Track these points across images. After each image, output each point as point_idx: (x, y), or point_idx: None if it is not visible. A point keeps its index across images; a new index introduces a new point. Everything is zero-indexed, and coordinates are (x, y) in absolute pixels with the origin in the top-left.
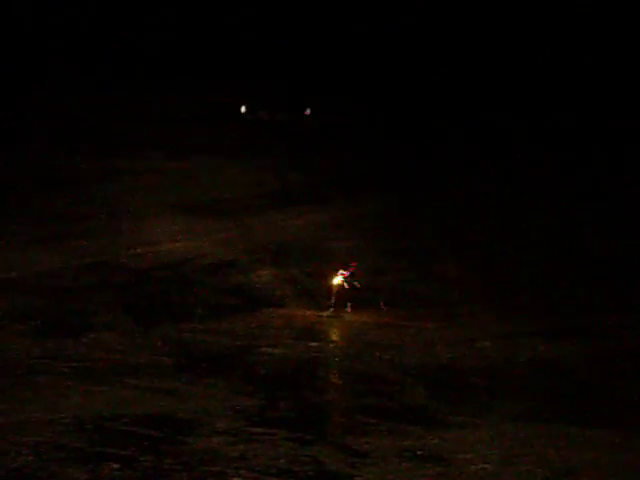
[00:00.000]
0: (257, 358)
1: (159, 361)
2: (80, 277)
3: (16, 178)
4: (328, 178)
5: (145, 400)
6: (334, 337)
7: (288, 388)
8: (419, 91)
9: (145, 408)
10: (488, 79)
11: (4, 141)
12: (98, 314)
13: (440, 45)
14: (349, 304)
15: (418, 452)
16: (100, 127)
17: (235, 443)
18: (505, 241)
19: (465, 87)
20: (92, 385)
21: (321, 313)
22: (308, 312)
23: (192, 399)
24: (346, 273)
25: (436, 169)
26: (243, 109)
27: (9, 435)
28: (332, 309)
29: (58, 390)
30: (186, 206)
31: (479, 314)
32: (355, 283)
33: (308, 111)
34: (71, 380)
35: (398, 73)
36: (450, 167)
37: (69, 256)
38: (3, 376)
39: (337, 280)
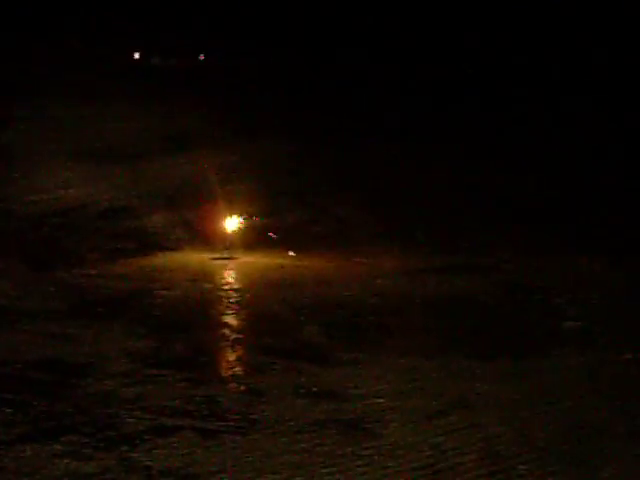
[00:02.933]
0: (151, 301)
1: (52, 306)
2: None
3: None
4: (223, 123)
5: (38, 345)
6: (229, 279)
7: (183, 330)
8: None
9: (38, 353)
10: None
11: None
12: None
13: None
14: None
15: (313, 389)
16: None
17: (129, 385)
18: (409, 183)
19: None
20: None
21: (216, 256)
22: (203, 255)
23: (86, 343)
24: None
25: (335, 116)
26: (137, 55)
27: None
28: (227, 252)
29: None
30: (80, 153)
31: (376, 253)
32: (271, 234)
33: (202, 56)
34: None
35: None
36: (354, 114)
37: None
38: None
39: (233, 224)
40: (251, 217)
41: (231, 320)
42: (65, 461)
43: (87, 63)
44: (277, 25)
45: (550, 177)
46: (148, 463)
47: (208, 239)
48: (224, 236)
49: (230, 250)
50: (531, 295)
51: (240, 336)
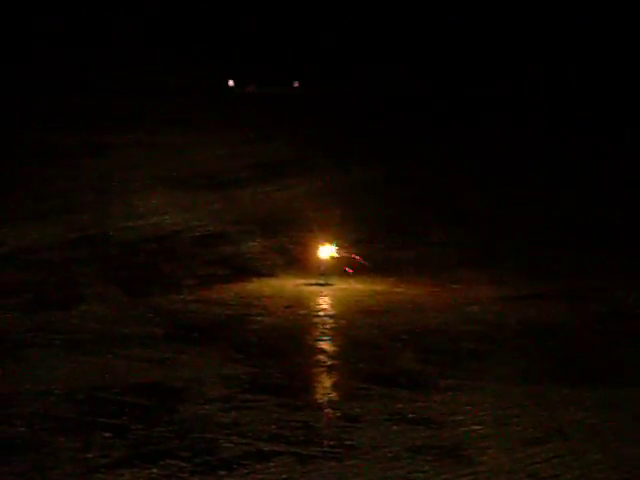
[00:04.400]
0: (247, 327)
1: (149, 331)
2: (69, 251)
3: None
4: (316, 149)
5: (136, 370)
6: (324, 305)
7: (278, 355)
8: (415, 63)
9: (136, 378)
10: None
11: None
12: (88, 287)
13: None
14: (347, 268)
15: (409, 416)
16: (83, 101)
17: (226, 410)
18: (492, 208)
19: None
20: (82, 356)
21: (310, 282)
22: (298, 281)
23: (183, 368)
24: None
25: (422, 141)
26: (231, 83)
27: (0, 408)
28: (321, 278)
29: (49, 362)
30: (173, 180)
31: (466, 279)
32: (363, 261)
33: (297, 83)
34: (62, 352)
35: (390, 44)
36: (438, 139)
37: (58, 230)
38: None
39: (327, 250)
40: (351, 255)
41: (326, 346)
42: None
43: (183, 91)
44: (372, 51)
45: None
46: None
47: (302, 265)
48: (318, 262)
49: (324, 276)
50: (626, 323)
51: (335, 362)
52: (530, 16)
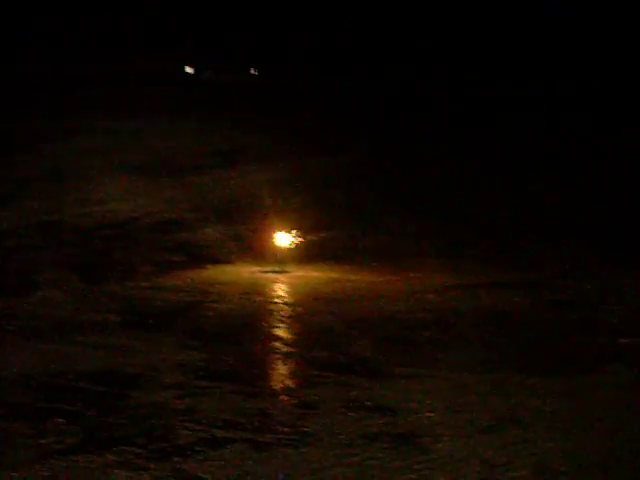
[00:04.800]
0: (203, 313)
1: (105, 318)
2: (26, 237)
3: None
4: (274, 137)
5: (91, 356)
6: (280, 292)
7: (234, 342)
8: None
9: (91, 364)
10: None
11: None
12: (44, 273)
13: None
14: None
15: (364, 403)
16: (50, 91)
17: (181, 397)
18: (460, 198)
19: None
20: (38, 343)
21: (267, 269)
22: (254, 269)
23: (138, 355)
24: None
25: (389, 130)
26: (188, 69)
27: None
28: (277, 265)
29: (4, 348)
30: (132, 166)
31: (427, 267)
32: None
33: (253, 70)
34: (18, 338)
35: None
36: (407, 130)
37: (14, 217)
38: None
39: (285, 238)
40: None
41: (283, 333)
42: (118, 472)
43: (142, 79)
44: (327, 43)
45: (599, 192)
46: (201, 474)
47: (259, 253)
48: (275, 250)
49: (281, 264)
50: (583, 311)
51: (292, 349)
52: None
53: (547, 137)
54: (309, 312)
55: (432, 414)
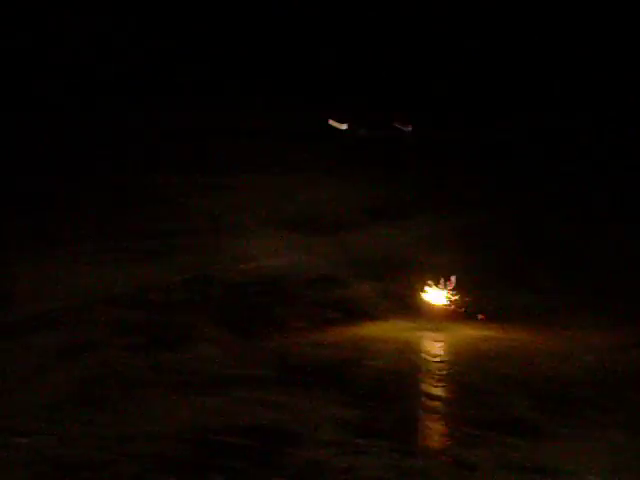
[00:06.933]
0: (359, 371)
1: (261, 373)
2: (182, 292)
3: (115, 195)
4: (428, 193)
5: (248, 412)
6: (435, 350)
7: (391, 400)
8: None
9: (249, 420)
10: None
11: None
12: (200, 328)
13: None
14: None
15: (526, 464)
16: (192, 144)
17: (340, 455)
18: (602, 254)
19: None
20: (195, 397)
21: (421, 327)
22: (410, 325)
23: (295, 411)
24: (448, 286)
25: (531, 184)
26: (344, 127)
27: (115, 447)
28: (432, 323)
29: (162, 403)
30: (284, 222)
31: (581, 326)
32: (479, 315)
33: (410, 127)
34: (175, 393)
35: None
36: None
37: (170, 271)
38: (109, 389)
39: (438, 295)
40: (474, 314)
41: (439, 392)
42: None
43: (294, 135)
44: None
45: None
46: None
47: (413, 310)
48: (428, 308)
49: (435, 322)
50: None
51: (448, 408)
52: None
53: None
54: (465, 371)
55: (593, 477)
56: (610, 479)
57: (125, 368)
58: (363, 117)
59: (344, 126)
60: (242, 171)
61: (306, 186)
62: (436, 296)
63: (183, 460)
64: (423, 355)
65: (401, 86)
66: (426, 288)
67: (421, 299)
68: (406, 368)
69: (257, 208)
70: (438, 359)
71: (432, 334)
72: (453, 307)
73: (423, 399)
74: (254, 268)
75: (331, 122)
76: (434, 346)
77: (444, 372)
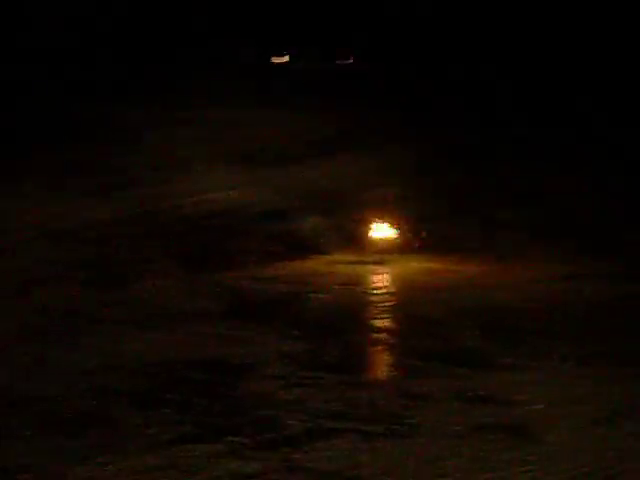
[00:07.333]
0: (305, 304)
1: (209, 307)
2: (131, 226)
3: (67, 128)
4: (373, 127)
5: (196, 345)
6: (381, 283)
7: (337, 333)
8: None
9: (198, 354)
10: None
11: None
12: (150, 262)
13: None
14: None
15: (473, 394)
16: (147, 78)
17: (288, 387)
18: (561, 189)
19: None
20: (145, 331)
21: (366, 260)
22: (355, 258)
23: (243, 344)
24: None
25: (488, 120)
26: (286, 59)
27: (67, 381)
28: (377, 256)
29: (113, 337)
30: (234, 155)
31: (527, 258)
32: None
33: (351, 58)
34: (125, 327)
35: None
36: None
37: (120, 206)
38: (60, 324)
39: (385, 228)
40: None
41: (386, 324)
42: (227, 461)
43: (232, 66)
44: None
45: None
46: (310, 465)
47: (358, 243)
48: (374, 240)
49: (382, 255)
50: None
51: (395, 340)
52: None
53: None
54: (411, 302)
55: (542, 406)
56: (559, 409)
57: (75, 303)
58: (304, 51)
59: (285, 58)
60: (190, 104)
61: (256, 120)
62: (383, 229)
63: (135, 393)
64: (369, 288)
65: (342, 21)
66: (373, 221)
67: (368, 232)
68: (352, 301)
69: (206, 142)
70: (384, 291)
71: (378, 267)
72: (400, 240)
73: (369, 331)
74: (204, 202)
75: (274, 58)
76: (380, 279)
77: (390, 304)
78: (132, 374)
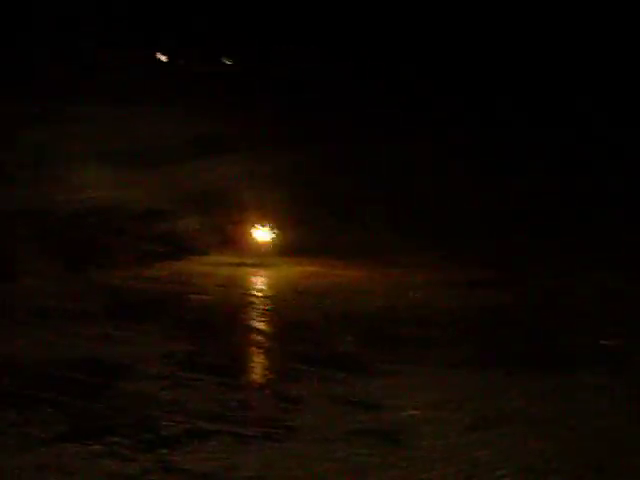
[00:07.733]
0: (184, 304)
1: (88, 307)
2: (6, 225)
3: None
4: (255, 128)
5: (76, 345)
6: (260, 285)
7: (217, 335)
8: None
9: (76, 353)
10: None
11: None
12: (26, 261)
13: None
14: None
15: (348, 398)
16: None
17: (166, 388)
18: (438, 196)
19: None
20: (23, 331)
21: (245, 261)
22: (234, 260)
23: (121, 344)
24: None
25: (362, 123)
26: (164, 58)
27: None
28: (256, 258)
29: None
30: (113, 154)
31: (405, 264)
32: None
33: (228, 61)
34: (3, 326)
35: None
36: (378, 121)
37: None
38: None
39: (264, 231)
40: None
41: (264, 327)
42: (105, 461)
43: (115, 65)
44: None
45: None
46: (187, 466)
47: (237, 245)
48: (253, 242)
49: (260, 257)
50: (562, 310)
51: (274, 343)
52: None
53: None
54: (290, 306)
55: (416, 411)
56: (432, 413)
57: None
58: (185, 51)
59: (164, 57)
60: (70, 102)
61: (138, 118)
62: (262, 232)
63: (11, 392)
64: (248, 290)
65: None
66: (252, 224)
67: (246, 234)
68: (231, 303)
69: (86, 140)
70: (262, 294)
71: (257, 270)
72: (278, 243)
73: (249, 334)
74: (80, 201)
75: (158, 55)
76: (258, 281)
77: (268, 307)
78: (5, 373)
